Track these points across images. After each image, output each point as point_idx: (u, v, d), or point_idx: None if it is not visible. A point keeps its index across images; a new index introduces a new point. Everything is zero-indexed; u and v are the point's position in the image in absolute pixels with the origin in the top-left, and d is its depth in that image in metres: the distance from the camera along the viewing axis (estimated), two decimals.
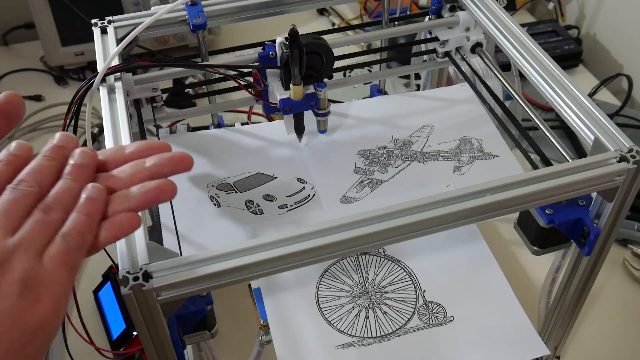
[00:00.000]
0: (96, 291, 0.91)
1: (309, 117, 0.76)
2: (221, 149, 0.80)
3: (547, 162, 0.65)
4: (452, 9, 0.82)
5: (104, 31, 0.71)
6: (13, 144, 0.44)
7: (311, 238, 0.49)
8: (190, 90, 1.19)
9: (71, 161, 0.43)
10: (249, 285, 0.69)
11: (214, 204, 0.73)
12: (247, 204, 0.74)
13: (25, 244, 0.39)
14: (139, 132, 0.73)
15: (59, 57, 1.29)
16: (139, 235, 0.48)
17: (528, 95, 1.15)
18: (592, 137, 0.58)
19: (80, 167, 0.43)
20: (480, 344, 0.65)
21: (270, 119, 0.89)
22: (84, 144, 1.17)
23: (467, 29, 0.81)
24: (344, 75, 1.11)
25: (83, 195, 0.42)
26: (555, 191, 0.54)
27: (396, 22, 0.88)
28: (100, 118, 0.64)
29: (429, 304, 0.69)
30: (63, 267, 0.40)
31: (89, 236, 0.42)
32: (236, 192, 0.75)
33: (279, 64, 0.71)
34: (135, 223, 0.43)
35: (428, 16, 0.85)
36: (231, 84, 0.75)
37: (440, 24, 0.82)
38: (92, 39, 0.70)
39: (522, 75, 0.70)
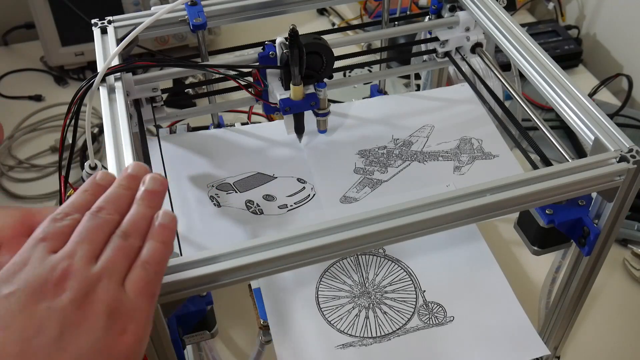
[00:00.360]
0: None
1: (309, 117, 0.76)
2: (221, 149, 0.80)
3: (547, 162, 0.65)
4: (452, 9, 0.82)
5: (104, 31, 0.71)
6: (98, 174, 0.45)
7: (311, 238, 0.49)
8: (190, 90, 1.19)
9: (142, 187, 0.45)
10: (249, 285, 0.69)
11: (214, 204, 0.73)
12: (247, 204, 0.74)
13: (108, 272, 0.40)
14: (139, 132, 0.72)
15: (59, 57, 1.29)
16: None
17: (528, 95, 1.15)
18: (592, 137, 0.58)
19: (152, 193, 0.45)
20: (480, 344, 0.65)
21: (270, 119, 0.89)
22: (84, 144, 1.16)
23: (467, 29, 0.81)
24: (344, 75, 1.11)
25: (156, 222, 0.43)
26: (555, 191, 0.54)
27: (396, 22, 0.88)
28: (100, 118, 0.64)
29: (429, 304, 0.69)
30: (145, 295, 0.41)
31: (166, 263, 0.43)
32: (236, 192, 0.75)
33: (279, 64, 0.71)
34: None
35: (428, 16, 0.85)
36: (231, 84, 0.75)
37: (440, 24, 0.82)
38: (92, 39, 0.70)
39: (522, 75, 0.70)
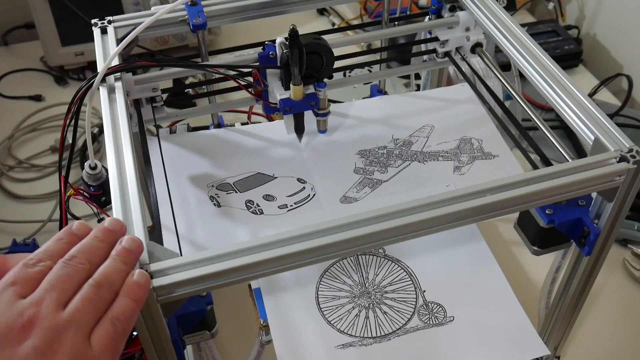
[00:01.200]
0: None
1: (309, 117, 0.76)
2: (221, 149, 0.80)
3: (547, 162, 0.65)
4: (452, 9, 0.82)
5: (104, 31, 0.71)
6: (75, 224, 0.46)
7: (311, 238, 0.49)
8: (190, 90, 1.19)
9: (119, 245, 0.45)
10: (249, 285, 0.69)
11: (214, 204, 0.73)
12: (247, 204, 0.74)
13: (75, 322, 0.40)
14: (139, 132, 0.72)
15: (59, 57, 1.29)
16: (139, 236, 0.48)
17: (528, 95, 1.15)
18: (592, 137, 0.58)
19: (128, 251, 0.45)
20: (480, 344, 0.65)
21: (270, 119, 0.88)
22: (84, 144, 1.16)
23: (467, 29, 0.81)
24: (344, 75, 1.11)
25: (131, 279, 0.43)
26: (555, 191, 0.54)
27: (396, 22, 0.88)
28: (100, 118, 0.64)
29: (429, 304, 0.69)
30: (109, 352, 0.41)
31: (134, 322, 0.43)
32: (236, 192, 0.75)
33: (279, 64, 0.71)
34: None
35: (428, 16, 0.85)
36: (231, 84, 0.75)
37: (440, 24, 0.82)
38: (92, 39, 0.70)
39: (522, 75, 0.70)
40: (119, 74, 0.64)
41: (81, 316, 0.40)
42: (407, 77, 1.23)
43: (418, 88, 1.08)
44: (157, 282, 0.45)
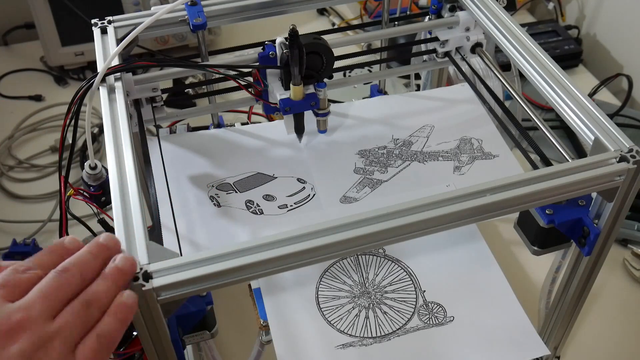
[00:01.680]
0: None
1: (309, 117, 0.76)
2: (221, 149, 0.80)
3: (547, 162, 0.65)
4: (452, 9, 0.82)
5: (104, 31, 0.71)
6: (67, 239, 0.46)
7: (311, 238, 0.49)
8: (190, 90, 1.19)
9: (113, 263, 0.45)
10: (249, 285, 0.69)
11: (214, 204, 0.73)
12: (247, 204, 0.74)
13: (63, 333, 0.40)
14: (139, 132, 0.72)
15: (59, 57, 1.29)
16: (139, 236, 0.48)
17: (528, 95, 1.15)
18: (592, 137, 0.58)
19: (121, 271, 0.45)
20: (480, 344, 0.65)
21: (270, 119, 0.88)
22: (84, 144, 1.16)
23: (467, 29, 0.81)
24: (344, 75, 1.11)
25: (120, 299, 0.44)
26: (555, 191, 0.54)
27: (396, 22, 0.88)
28: (100, 118, 0.64)
29: (429, 304, 0.69)
30: None
31: (118, 340, 0.43)
32: (236, 192, 0.75)
33: (279, 64, 0.71)
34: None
35: (428, 16, 0.85)
36: (231, 84, 0.75)
37: (440, 24, 0.82)
38: (92, 39, 0.70)
39: (522, 75, 0.70)
40: (119, 74, 0.64)
41: (69, 329, 0.41)
42: (407, 77, 1.23)
43: (418, 88, 1.08)
44: (157, 282, 0.45)
